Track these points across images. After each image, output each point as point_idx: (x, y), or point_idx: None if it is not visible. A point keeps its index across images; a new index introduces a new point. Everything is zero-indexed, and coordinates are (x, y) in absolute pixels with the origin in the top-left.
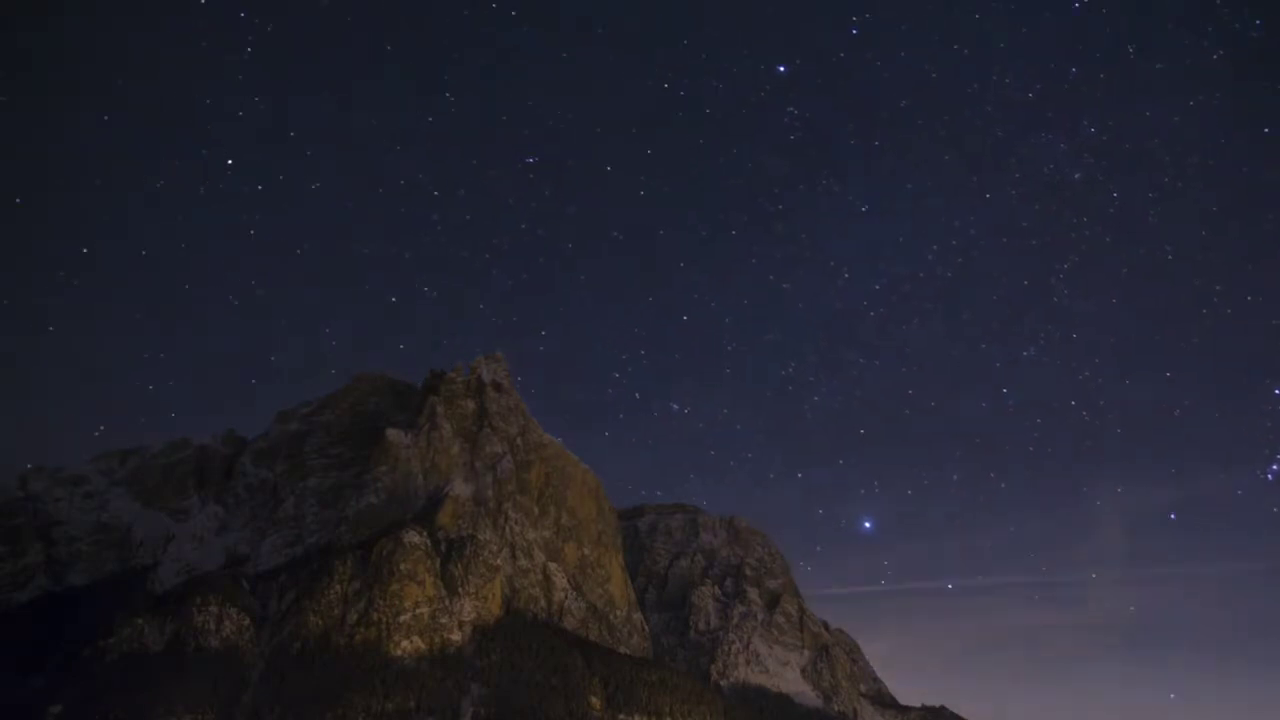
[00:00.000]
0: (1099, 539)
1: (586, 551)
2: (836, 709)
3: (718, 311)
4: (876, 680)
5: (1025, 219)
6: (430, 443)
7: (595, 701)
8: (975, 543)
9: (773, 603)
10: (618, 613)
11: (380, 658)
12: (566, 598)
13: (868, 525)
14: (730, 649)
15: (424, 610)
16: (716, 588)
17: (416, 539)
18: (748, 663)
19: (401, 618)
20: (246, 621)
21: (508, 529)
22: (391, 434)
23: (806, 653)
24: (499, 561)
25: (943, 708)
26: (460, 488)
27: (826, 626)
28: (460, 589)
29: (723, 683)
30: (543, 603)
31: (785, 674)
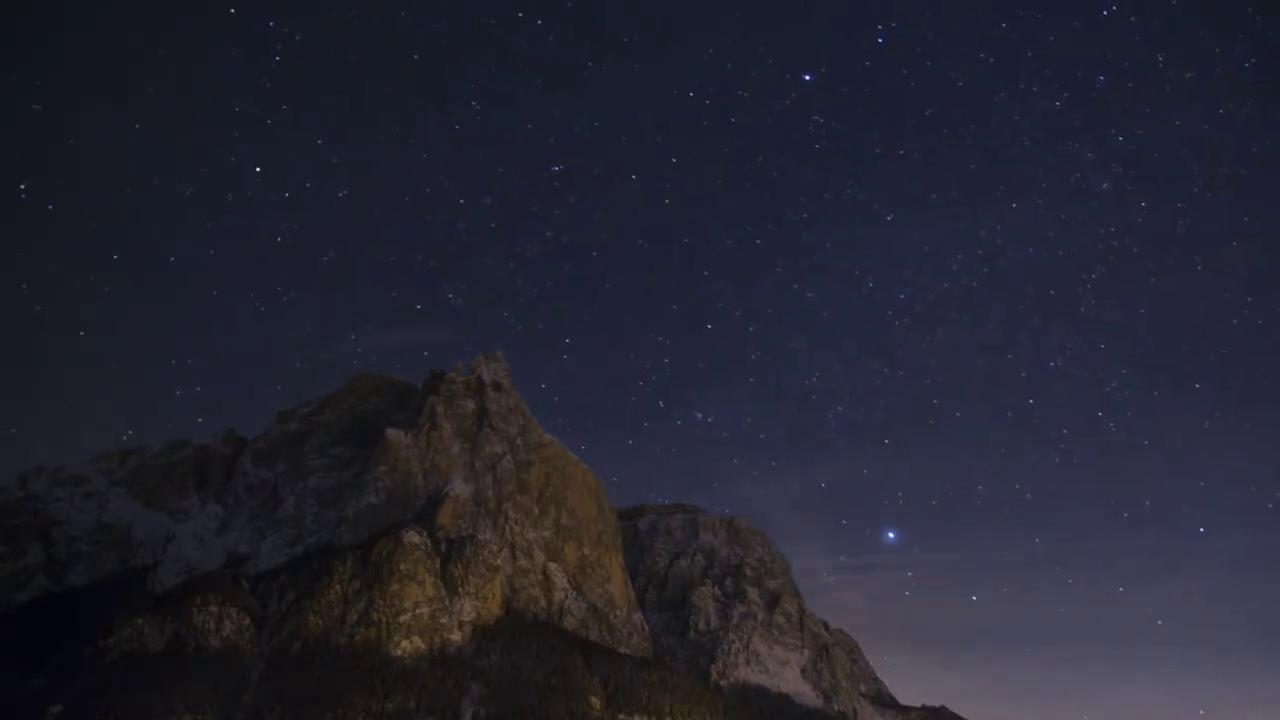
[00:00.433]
0: (1126, 552)
1: (586, 551)
2: (836, 709)
3: (742, 320)
4: (876, 680)
5: (1052, 228)
6: (430, 443)
7: (595, 701)
8: (1000, 555)
9: (773, 603)
10: (618, 613)
11: (380, 658)
12: (566, 598)
13: (891, 536)
14: (730, 649)
15: (424, 610)
16: (716, 588)
17: (416, 539)
18: (748, 663)
19: (401, 618)
20: (246, 621)
21: (508, 529)
22: (391, 434)
23: (806, 653)
24: (499, 561)
25: (943, 708)
26: (460, 488)
27: (826, 626)
28: (460, 589)
29: (723, 683)
30: (543, 603)
31: (785, 674)
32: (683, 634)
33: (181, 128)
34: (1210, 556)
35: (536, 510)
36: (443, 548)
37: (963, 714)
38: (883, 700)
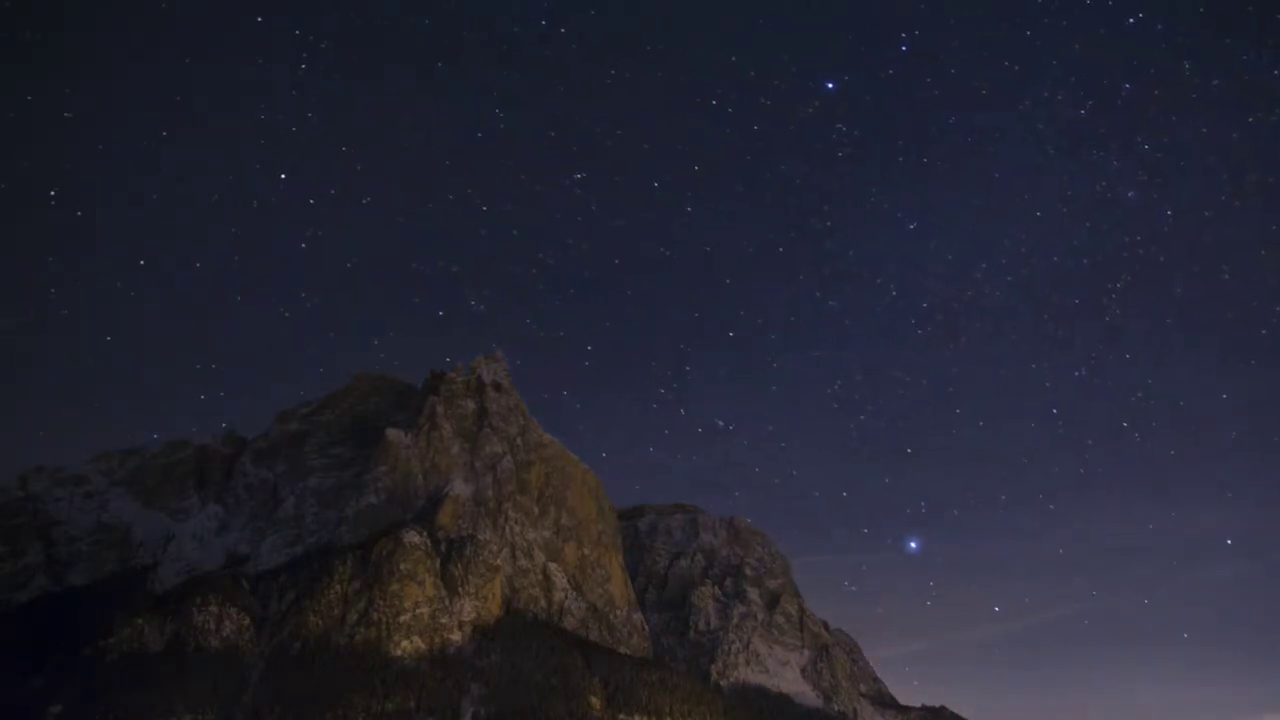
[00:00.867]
0: (1152, 564)
1: (586, 551)
2: (836, 709)
3: (764, 328)
4: (876, 680)
5: (1076, 237)
6: (430, 443)
7: (595, 701)
8: (1023, 565)
9: (773, 603)
10: (618, 613)
11: (380, 658)
12: (566, 598)
13: (913, 545)
14: (730, 649)
15: (424, 610)
16: (716, 588)
17: (416, 539)
18: (748, 663)
19: (401, 618)
20: (246, 621)
21: (508, 529)
22: (391, 434)
23: (806, 652)
24: (499, 561)
25: (943, 708)
26: (460, 488)
27: (826, 626)
28: (460, 589)
29: (723, 683)
30: (543, 603)
31: (785, 674)
32: (683, 634)
33: (207, 135)
34: (1238, 569)
35: (536, 510)
36: (443, 548)
37: (963, 714)
38: (883, 700)
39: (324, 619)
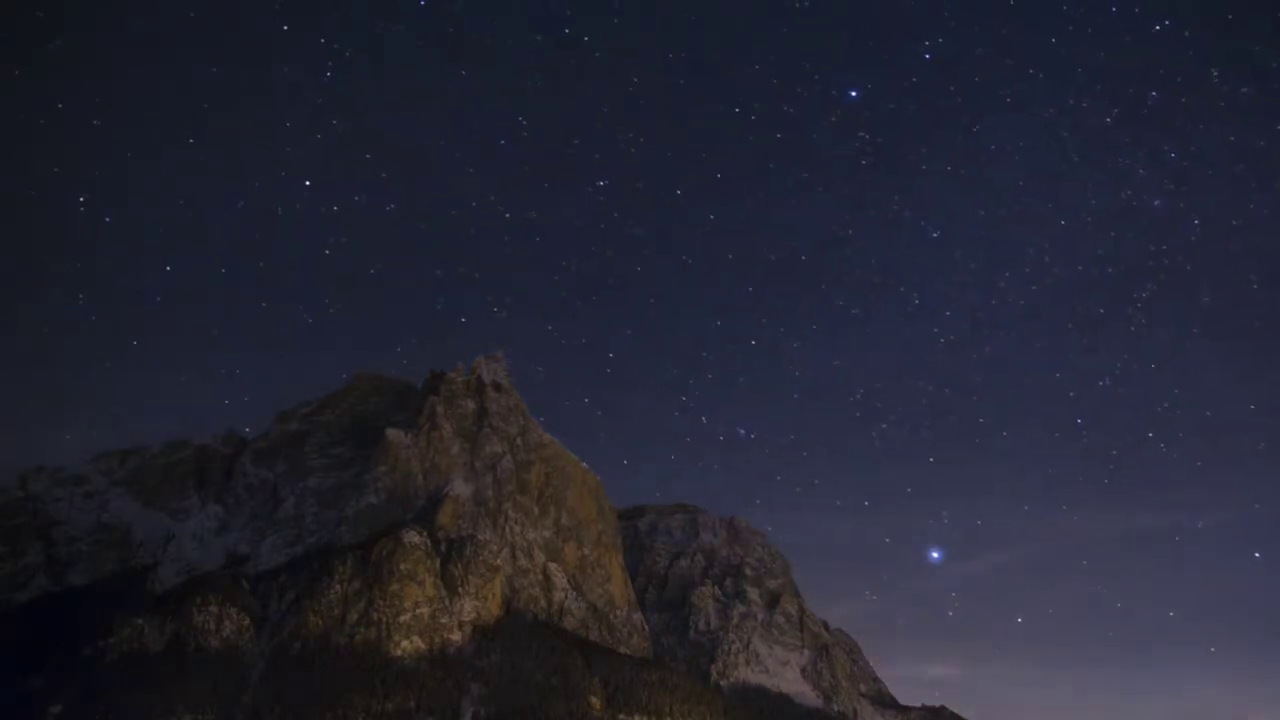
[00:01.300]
0: (1179, 576)
1: (586, 551)
2: (836, 709)
3: (785, 336)
4: (876, 680)
5: (1101, 246)
6: (430, 443)
7: (595, 701)
8: (1048, 577)
9: (773, 602)
10: (618, 613)
11: (380, 658)
12: (566, 598)
13: (936, 555)
14: (730, 649)
15: (424, 610)
16: (716, 588)
17: (416, 539)
18: (748, 663)
19: (401, 618)
20: (246, 621)
21: (508, 529)
22: (391, 434)
23: (806, 652)
24: (499, 561)
25: (943, 708)
26: (460, 488)
27: (826, 626)
28: (460, 589)
29: (723, 683)
30: (543, 603)
31: (785, 674)
32: (683, 634)
33: (232, 142)
34: (1266, 582)
35: (536, 510)
36: (443, 548)
37: (964, 715)
38: (883, 700)
39: (324, 619)
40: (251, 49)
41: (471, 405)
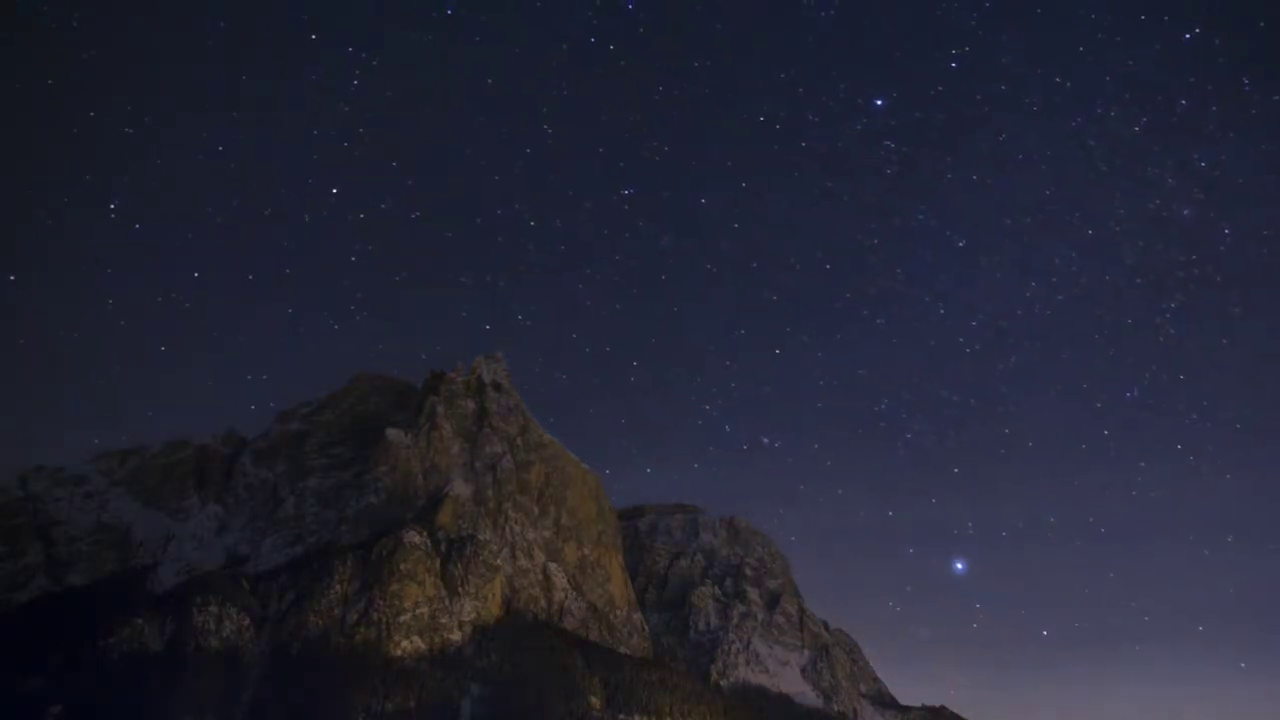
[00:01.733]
0: (1207, 591)
1: (586, 551)
2: (836, 709)
3: (810, 345)
4: (876, 680)
5: (1130, 256)
6: (430, 443)
7: (595, 701)
8: (1074, 589)
9: (773, 602)
10: (618, 613)
11: (380, 658)
12: (566, 598)
13: (959, 567)
14: (730, 649)
15: (424, 610)
16: (716, 588)
17: (416, 539)
18: (748, 663)
19: (401, 618)
20: (246, 621)
21: (508, 529)
22: (391, 434)
23: (806, 652)
24: (499, 561)
25: (943, 708)
26: (460, 488)
27: (826, 626)
28: (460, 589)
29: (723, 683)
30: (543, 603)
31: (785, 674)
32: (683, 634)
33: (261, 150)
34: None
35: (536, 510)
36: (443, 548)
37: (964, 715)
38: (883, 700)
39: (324, 619)
40: (280, 59)
41: (471, 405)
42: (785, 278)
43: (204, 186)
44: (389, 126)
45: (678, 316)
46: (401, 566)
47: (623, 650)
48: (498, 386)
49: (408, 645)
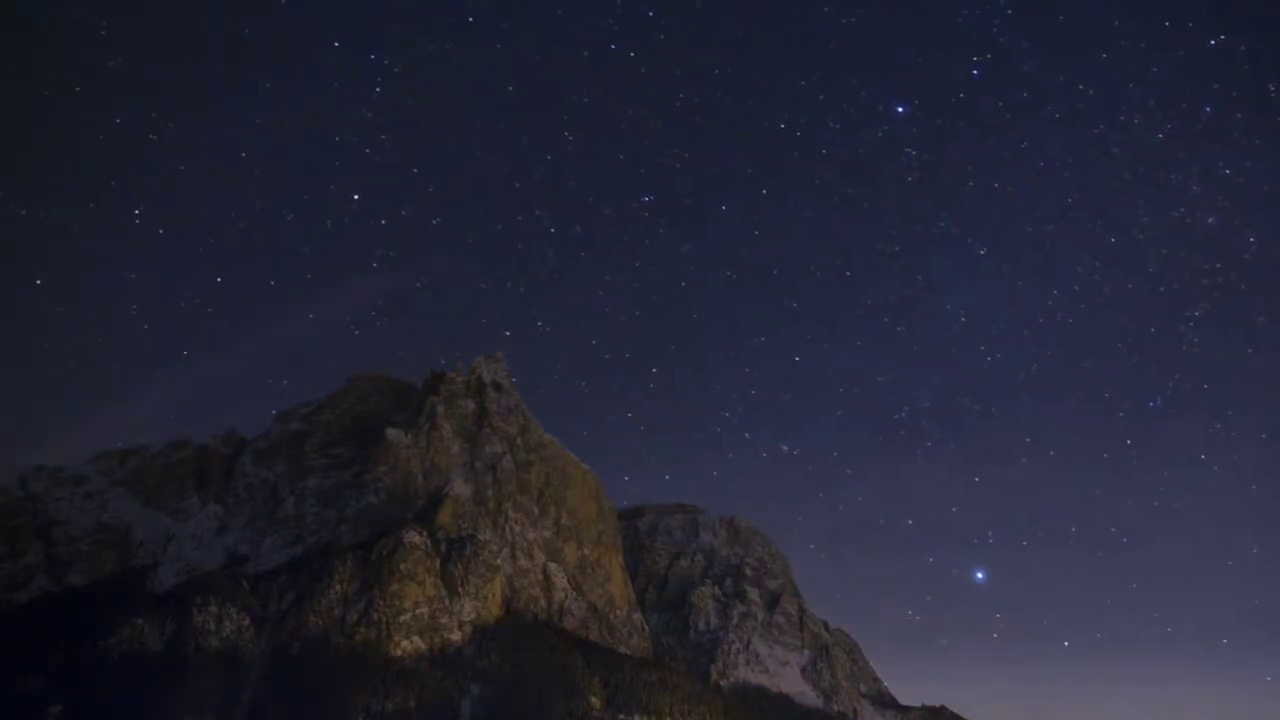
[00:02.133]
0: (1231, 602)
1: (586, 551)
2: (836, 709)
3: (830, 353)
4: (876, 680)
5: (1153, 264)
6: (430, 443)
7: (595, 701)
8: (1096, 601)
9: (773, 602)
10: (618, 613)
11: (380, 658)
12: (566, 598)
13: (980, 576)
14: (730, 649)
15: (424, 610)
16: (716, 588)
17: (416, 539)
18: (748, 663)
19: (401, 618)
20: (246, 621)
21: (508, 529)
22: (391, 434)
23: (806, 652)
24: (499, 561)
25: (943, 708)
26: (460, 488)
27: (826, 626)
28: (460, 589)
29: (723, 683)
30: (543, 603)
31: (785, 674)
32: (683, 634)
33: (283, 157)
34: None
35: (536, 510)
36: (443, 548)
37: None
38: (883, 700)
39: (324, 619)
40: (303, 66)
41: (471, 405)
42: (805, 285)
43: (226, 192)
44: (410, 133)
45: (697, 323)
46: (401, 566)
47: (623, 650)
48: (498, 386)
49: (408, 645)
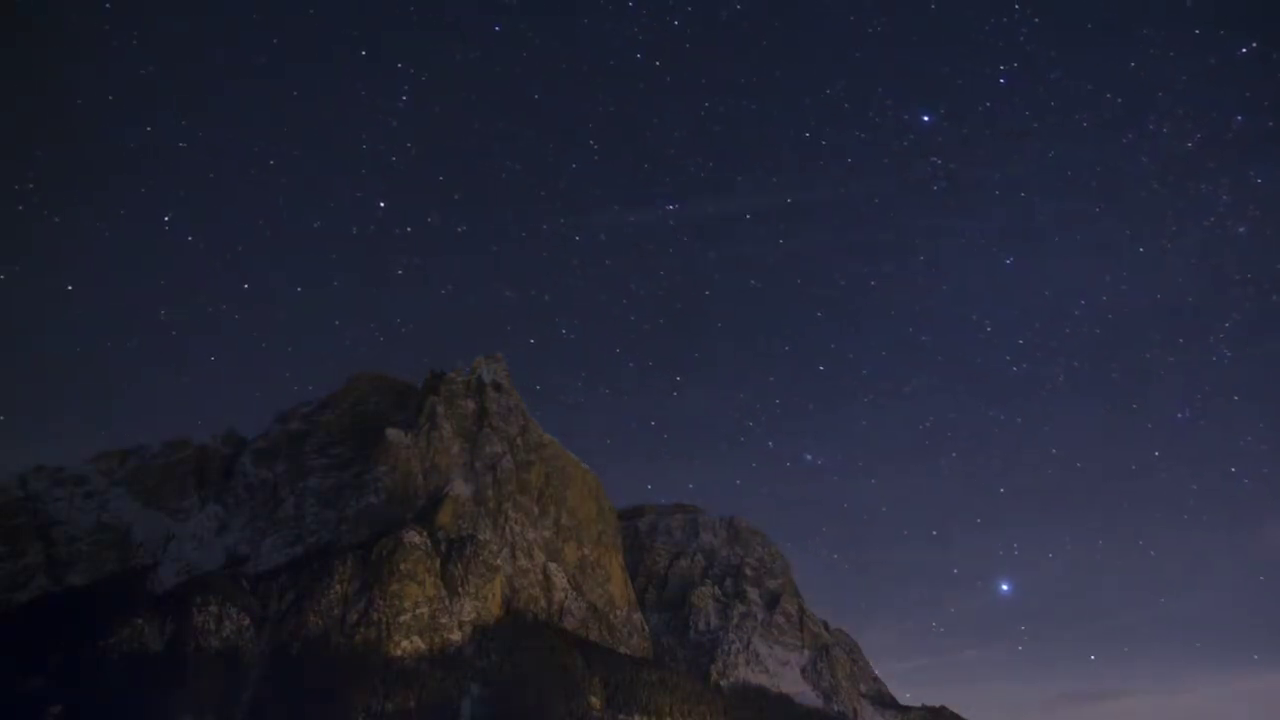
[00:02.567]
0: (1263, 619)
1: (586, 551)
2: (836, 709)
3: (855, 363)
4: (876, 680)
5: (1182, 274)
6: (430, 443)
7: (595, 701)
8: (1122, 614)
9: (772, 602)
10: (618, 613)
11: (380, 658)
12: (566, 598)
13: (1005, 588)
14: (730, 649)
15: (424, 610)
16: (716, 588)
17: (416, 539)
18: (748, 663)
19: (401, 618)
20: (246, 621)
21: (508, 529)
22: (391, 434)
23: (806, 652)
24: (499, 561)
25: (943, 708)
26: (460, 488)
27: (826, 626)
28: (460, 589)
29: (723, 683)
30: (543, 603)
31: (785, 674)
32: (683, 634)
33: (310, 164)
34: None
35: (536, 510)
36: (443, 548)
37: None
38: (883, 700)
39: (324, 619)
40: (330, 74)
41: (471, 405)
42: (830, 294)
43: (254, 200)
44: (436, 141)
45: (721, 332)
46: (401, 566)
47: (623, 650)
48: (498, 386)
49: (408, 645)
